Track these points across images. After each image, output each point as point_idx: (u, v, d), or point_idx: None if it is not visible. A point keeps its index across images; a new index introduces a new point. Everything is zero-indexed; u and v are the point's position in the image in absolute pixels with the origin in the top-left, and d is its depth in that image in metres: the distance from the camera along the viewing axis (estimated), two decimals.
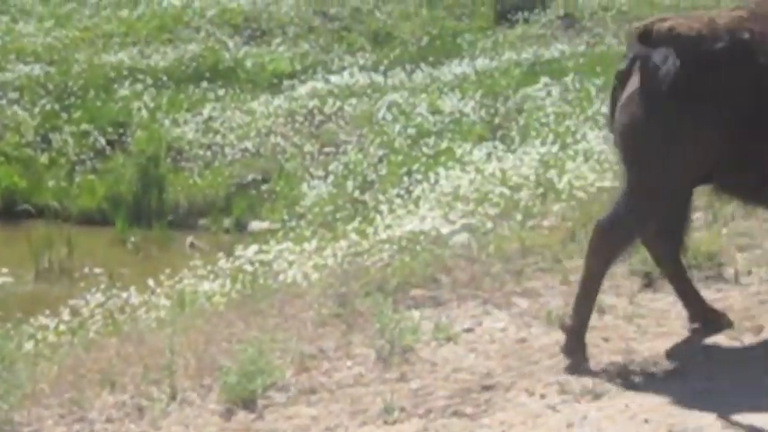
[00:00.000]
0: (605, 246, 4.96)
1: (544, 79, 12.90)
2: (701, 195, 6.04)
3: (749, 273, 5.86)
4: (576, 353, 4.93)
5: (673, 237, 5.20)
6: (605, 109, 9.87)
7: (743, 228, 6.44)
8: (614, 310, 5.45)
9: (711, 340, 5.09)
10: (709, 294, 5.53)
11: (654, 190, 4.96)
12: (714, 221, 6.58)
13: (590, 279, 4.99)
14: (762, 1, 5.15)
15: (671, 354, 4.95)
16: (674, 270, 5.33)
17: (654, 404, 4.47)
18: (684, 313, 5.30)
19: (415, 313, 5.56)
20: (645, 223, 5.04)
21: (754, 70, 4.85)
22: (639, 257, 5.82)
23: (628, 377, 4.75)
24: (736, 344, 5.05)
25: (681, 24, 4.98)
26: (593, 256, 4.98)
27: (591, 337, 5.03)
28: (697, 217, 6.61)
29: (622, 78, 5.06)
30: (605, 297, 5.49)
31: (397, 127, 12.48)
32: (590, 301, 5.02)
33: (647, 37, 4.97)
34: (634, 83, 4.94)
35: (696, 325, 5.24)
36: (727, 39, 4.87)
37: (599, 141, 8.62)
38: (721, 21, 4.99)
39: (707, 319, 5.25)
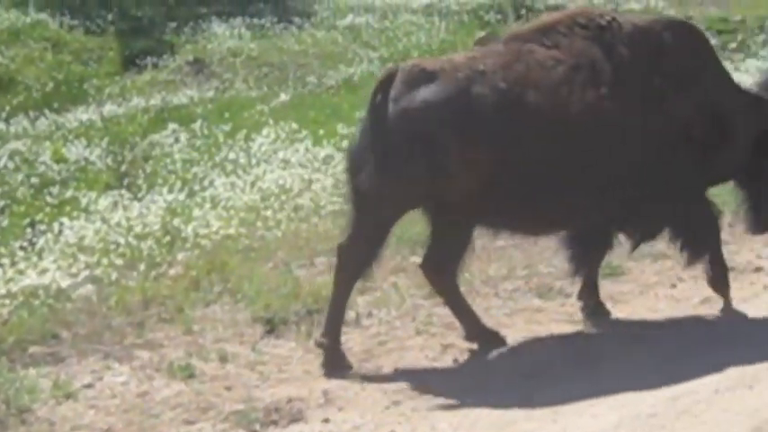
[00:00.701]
0: (348, 265, 5.58)
1: (172, 125, 12.96)
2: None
3: (369, 315, 6.21)
4: (337, 366, 5.42)
5: (442, 263, 5.80)
6: (233, 155, 10.16)
7: None
8: (237, 359, 5.56)
9: (334, 384, 5.30)
10: None
11: (384, 216, 5.60)
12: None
13: (338, 296, 5.58)
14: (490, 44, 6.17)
15: (291, 399, 5.09)
16: (448, 293, 5.87)
17: None
18: (306, 358, 5.54)
19: (33, 372, 5.37)
20: (379, 244, 5.62)
21: (493, 96, 5.53)
22: (262, 304, 6.03)
23: (250, 426, 4.85)
24: (357, 384, 5.30)
25: (424, 63, 5.72)
26: (338, 275, 5.61)
27: (213, 387, 5.13)
28: (321, 261, 7.00)
29: (375, 114, 5.60)
30: (228, 345, 5.63)
31: (20, 176, 11.99)
32: (339, 316, 5.57)
33: (389, 78, 5.58)
34: (375, 121, 5.55)
35: (474, 343, 5.76)
36: (467, 72, 5.56)
37: (226, 188, 8.76)
38: (458, 59, 5.76)
39: (482, 337, 5.79)
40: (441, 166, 5.45)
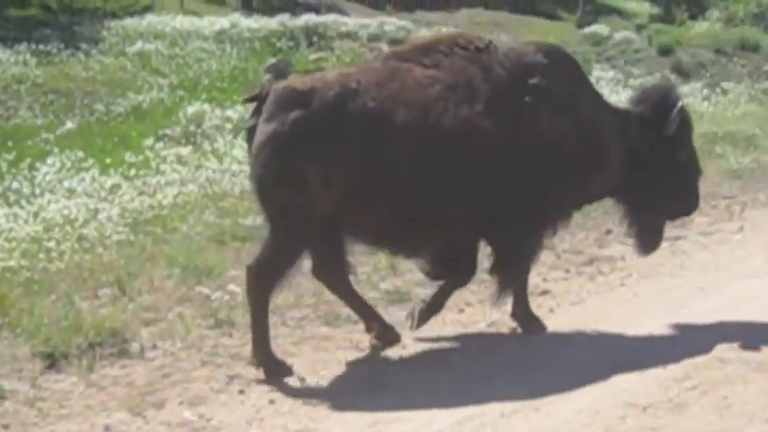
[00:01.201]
0: (259, 284, 5.81)
1: None
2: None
3: (154, 347, 6.09)
4: (278, 372, 5.71)
5: (332, 267, 6.07)
6: (16, 184, 9.78)
7: (148, 302, 6.70)
8: (15, 395, 5.35)
9: (115, 419, 5.17)
10: (114, 371, 5.70)
11: (287, 232, 5.82)
12: (121, 296, 6.78)
13: (256, 314, 5.82)
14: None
15: None
16: (344, 293, 6.21)
17: None
18: (87, 392, 5.40)
19: None
20: (287, 260, 5.84)
21: (364, 116, 5.76)
22: (42, 338, 5.83)
23: None
24: (140, 419, 5.18)
25: (296, 84, 5.92)
26: (250, 295, 5.86)
27: None
28: (105, 292, 6.84)
29: (250, 136, 5.88)
30: (5, 382, 5.41)
31: None
32: (264, 332, 5.80)
33: (261, 97, 5.84)
34: (257, 139, 5.75)
35: (374, 340, 6.14)
36: (338, 89, 5.80)
37: (9, 218, 8.42)
38: (331, 78, 5.97)
39: (381, 332, 6.14)
40: (311, 183, 5.68)
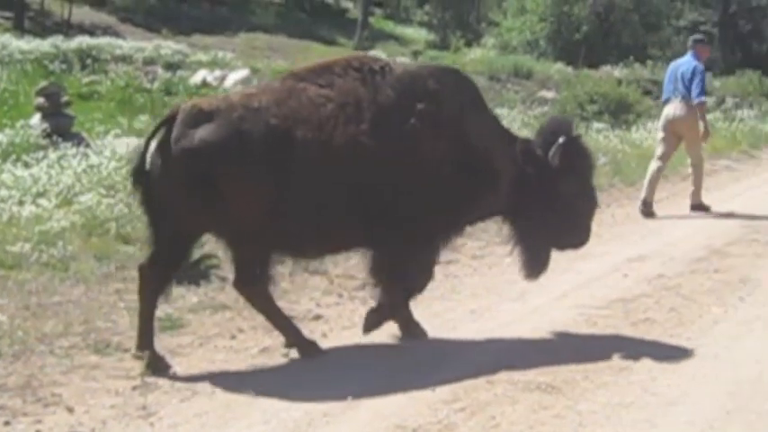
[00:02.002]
0: (149, 281, 6.35)
1: None
2: None
3: None
4: (159, 368, 6.17)
5: (251, 276, 6.45)
6: None
7: None
8: None
9: None
10: None
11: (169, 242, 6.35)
12: None
13: (144, 312, 6.32)
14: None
15: None
16: (262, 303, 6.55)
17: None
18: None
19: None
20: (172, 262, 6.41)
21: (266, 132, 6.20)
22: None
23: None
24: None
25: (202, 104, 6.35)
26: (141, 292, 6.38)
27: None
28: None
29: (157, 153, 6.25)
30: None
31: None
32: (149, 329, 6.32)
33: (172, 118, 6.25)
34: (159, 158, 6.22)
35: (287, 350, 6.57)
36: (240, 110, 6.25)
37: None
38: (235, 98, 6.44)
39: (301, 346, 6.56)
40: (214, 199, 6.13)
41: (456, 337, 6.98)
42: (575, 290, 7.47)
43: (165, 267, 6.41)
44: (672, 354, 6.69)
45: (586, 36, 42.47)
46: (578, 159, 6.96)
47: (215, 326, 7.14)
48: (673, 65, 13.35)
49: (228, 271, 8.11)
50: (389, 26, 49.10)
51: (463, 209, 6.80)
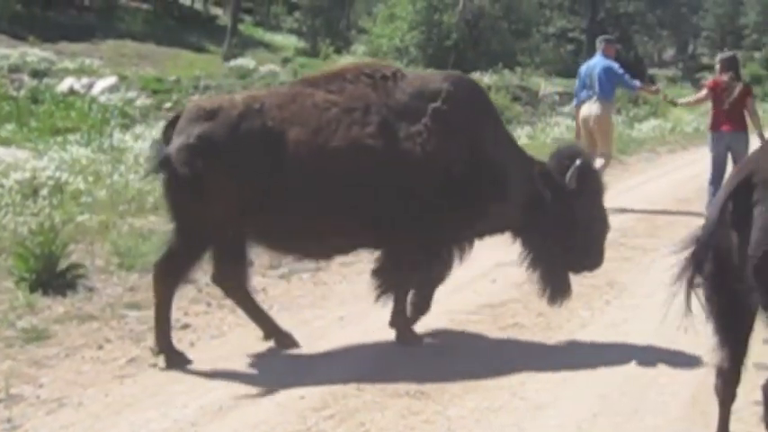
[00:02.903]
0: (164, 279, 6.61)
1: None
2: None
3: None
4: (177, 362, 6.49)
5: (230, 271, 6.79)
6: None
7: None
8: None
9: None
10: None
11: (188, 234, 6.59)
12: None
13: (160, 307, 6.62)
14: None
15: None
16: (241, 298, 6.93)
17: None
18: None
19: None
20: (189, 258, 6.62)
21: (265, 131, 6.56)
22: None
23: None
24: None
25: (205, 103, 6.81)
26: (156, 287, 6.66)
27: None
28: None
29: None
30: None
31: None
32: (166, 320, 6.63)
33: (178, 116, 6.69)
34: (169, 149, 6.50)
35: (271, 341, 6.90)
36: (241, 109, 6.62)
37: None
38: (238, 98, 6.81)
39: (277, 337, 6.91)
40: (210, 190, 6.44)
41: (325, 345, 6.99)
42: (444, 296, 7.55)
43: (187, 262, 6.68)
44: (540, 358, 6.84)
45: (456, 43, 43.07)
46: (592, 183, 7.20)
47: (82, 336, 7.01)
48: (585, 67, 13.96)
49: (96, 281, 8.01)
50: (259, 33, 48.93)
51: (471, 214, 6.95)
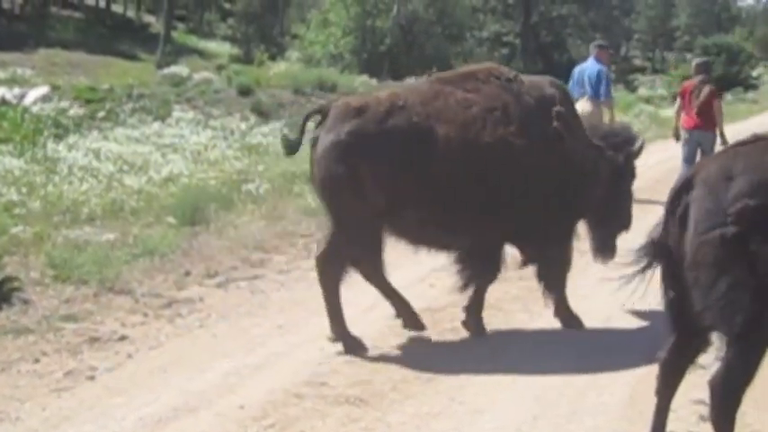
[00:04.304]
0: (328, 271, 7.12)
1: None
2: None
3: None
4: (356, 348, 7.02)
5: (371, 259, 7.18)
6: None
7: None
8: None
9: None
10: None
11: (345, 227, 7.01)
12: None
13: (329, 299, 7.16)
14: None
15: None
16: (379, 282, 7.32)
17: None
18: None
19: None
20: (349, 248, 7.10)
21: (411, 126, 6.97)
22: None
23: None
24: None
25: (352, 101, 7.16)
26: (323, 280, 7.17)
27: None
28: None
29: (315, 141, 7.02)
30: None
31: None
32: (337, 310, 7.14)
33: (324, 114, 7.08)
34: (319, 147, 6.94)
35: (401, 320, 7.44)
36: (387, 106, 7.02)
37: None
38: (383, 96, 7.19)
39: (407, 319, 7.42)
40: (363, 184, 6.82)
41: (264, 353, 6.99)
42: (382, 301, 7.57)
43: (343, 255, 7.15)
44: (478, 362, 6.90)
45: (390, 48, 43.25)
46: (634, 162, 8.05)
47: (17, 350, 6.92)
48: (578, 69, 14.85)
49: (31, 293, 7.92)
50: (192, 40, 48.70)
51: (584, 204, 7.66)
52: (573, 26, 66.06)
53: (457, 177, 7.00)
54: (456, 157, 6.99)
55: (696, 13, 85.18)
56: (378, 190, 6.87)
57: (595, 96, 14.27)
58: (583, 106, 13.99)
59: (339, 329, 7.12)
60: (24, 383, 6.37)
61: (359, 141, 6.88)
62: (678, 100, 14.69)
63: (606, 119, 13.99)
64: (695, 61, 15.16)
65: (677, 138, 14.66)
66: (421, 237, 7.38)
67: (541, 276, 7.76)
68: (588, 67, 14.55)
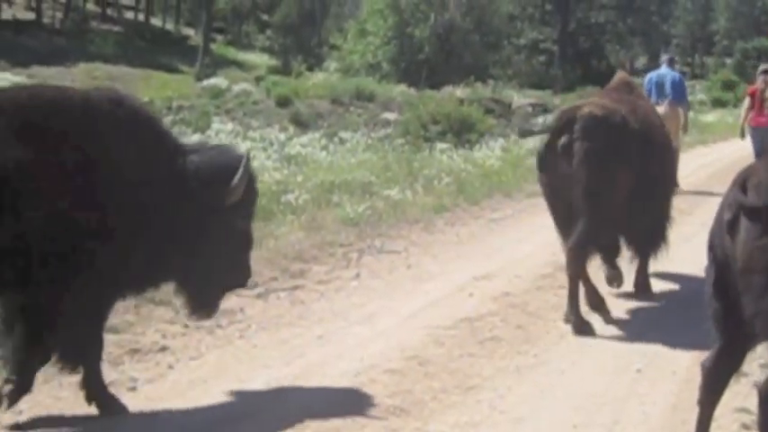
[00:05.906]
0: (576, 259, 7.98)
1: None
2: None
3: None
4: (583, 329, 7.81)
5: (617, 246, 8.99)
6: None
7: None
8: None
9: None
10: None
11: (600, 221, 7.97)
12: None
13: (573, 281, 7.98)
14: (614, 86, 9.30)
15: None
16: (584, 278, 8.13)
17: None
18: None
19: None
20: (597, 239, 8.17)
21: (636, 132, 8.23)
22: None
23: None
24: None
25: (594, 107, 8.14)
26: (570, 267, 8.02)
27: None
28: None
29: (564, 148, 8.02)
30: None
31: None
32: (577, 296, 7.95)
33: (570, 123, 8.01)
34: (577, 151, 7.96)
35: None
36: (619, 116, 8.16)
37: None
38: (610, 106, 8.29)
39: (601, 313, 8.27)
40: (617, 182, 7.98)
41: (304, 364, 6.98)
42: (422, 311, 7.57)
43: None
44: (519, 371, 6.86)
45: (428, 57, 43.23)
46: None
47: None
48: (655, 74, 16.56)
49: None
50: (231, 52, 48.96)
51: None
52: (611, 32, 65.78)
53: (652, 179, 8.42)
54: (658, 160, 8.62)
55: (735, 17, 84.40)
56: (624, 187, 8.03)
57: (675, 100, 15.87)
58: (663, 109, 15.08)
59: (573, 313, 7.90)
60: (66, 395, 6.37)
61: (612, 146, 7.95)
62: (747, 101, 16.59)
63: (682, 121, 16.05)
64: (761, 67, 16.89)
65: (743, 136, 16.53)
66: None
67: (637, 253, 9.13)
68: (668, 73, 16.26)
